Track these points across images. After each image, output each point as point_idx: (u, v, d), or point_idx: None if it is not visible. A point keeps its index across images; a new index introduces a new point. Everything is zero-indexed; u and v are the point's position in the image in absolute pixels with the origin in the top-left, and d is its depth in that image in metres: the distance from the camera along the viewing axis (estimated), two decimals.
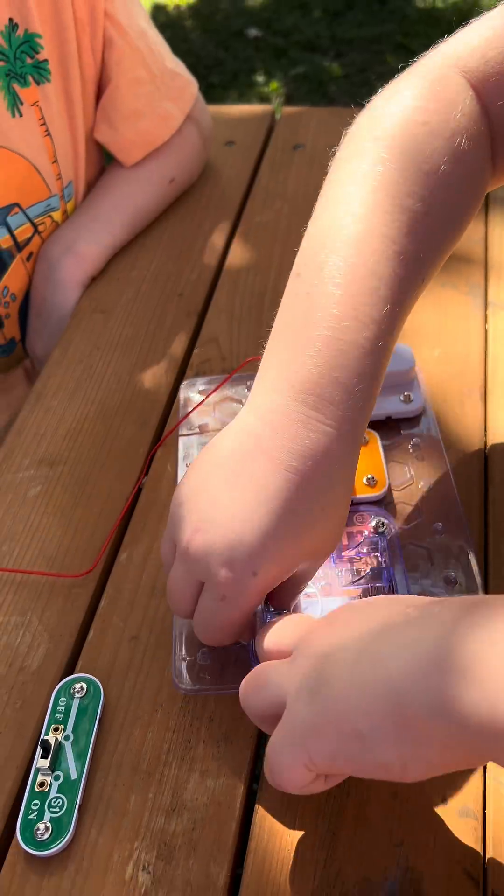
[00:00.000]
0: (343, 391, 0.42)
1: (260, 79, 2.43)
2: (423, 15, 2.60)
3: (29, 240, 0.77)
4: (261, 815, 0.44)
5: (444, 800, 0.43)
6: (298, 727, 0.36)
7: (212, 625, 0.44)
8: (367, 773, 0.36)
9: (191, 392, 0.64)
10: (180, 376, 0.68)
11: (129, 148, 0.80)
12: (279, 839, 0.43)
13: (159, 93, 0.80)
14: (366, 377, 0.43)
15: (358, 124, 0.51)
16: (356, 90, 2.34)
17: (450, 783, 0.43)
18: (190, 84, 0.84)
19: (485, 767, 0.44)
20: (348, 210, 0.46)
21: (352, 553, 0.53)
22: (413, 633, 0.34)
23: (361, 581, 0.52)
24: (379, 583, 0.51)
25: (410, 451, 0.59)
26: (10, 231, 0.75)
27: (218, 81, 2.44)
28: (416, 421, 0.60)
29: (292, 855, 0.42)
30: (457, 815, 0.42)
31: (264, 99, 2.35)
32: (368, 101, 0.52)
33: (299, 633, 0.41)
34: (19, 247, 0.76)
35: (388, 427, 0.60)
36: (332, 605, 0.50)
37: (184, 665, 0.49)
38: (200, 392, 0.64)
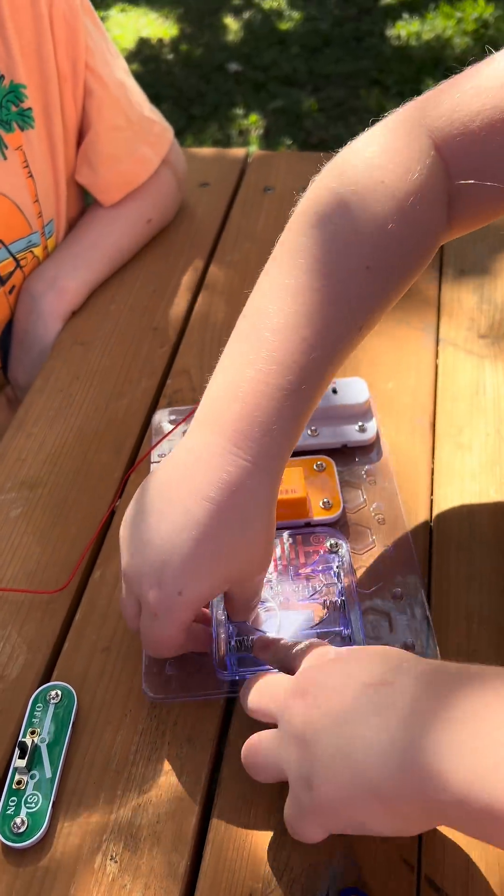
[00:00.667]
0: (261, 430, 0.46)
1: (240, 111, 2.51)
2: (397, 53, 2.69)
3: (11, 273, 0.81)
4: (219, 810, 0.48)
5: None
6: (306, 809, 0.41)
7: (151, 639, 0.48)
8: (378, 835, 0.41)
9: (163, 421, 0.69)
10: (153, 406, 0.73)
11: (108, 189, 0.85)
12: (235, 832, 0.47)
13: (136, 138, 0.85)
14: (284, 418, 0.47)
15: (323, 174, 0.55)
16: (332, 123, 2.42)
17: None
18: (166, 130, 0.89)
19: None
20: (294, 263, 0.51)
21: (308, 570, 0.58)
22: (380, 723, 0.38)
23: (316, 596, 0.56)
24: (337, 627, 0.55)
25: (364, 476, 0.64)
26: None
27: (199, 113, 2.51)
28: (369, 449, 0.66)
29: (247, 845, 0.46)
30: None
31: (243, 132, 2.43)
32: (336, 152, 0.56)
33: (277, 699, 0.44)
34: (2, 280, 0.81)
35: (344, 454, 0.65)
36: (289, 618, 0.55)
37: (152, 675, 0.53)
38: (171, 422, 0.69)
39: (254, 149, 2.37)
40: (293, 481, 0.60)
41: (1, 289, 0.81)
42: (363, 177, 0.53)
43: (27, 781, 0.49)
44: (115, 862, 0.46)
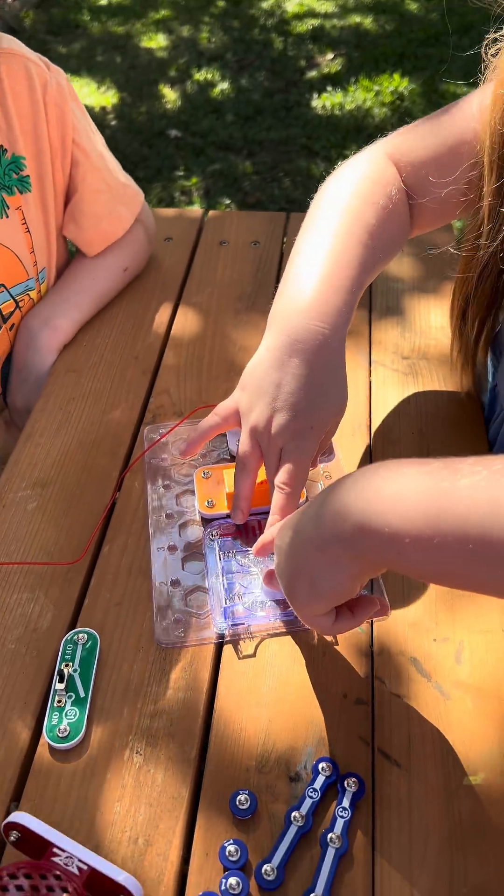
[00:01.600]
0: (334, 309, 0.66)
1: (181, 173, 2.71)
2: (324, 120, 2.95)
3: (11, 313, 0.96)
4: (217, 713, 0.62)
5: (345, 696, 0.62)
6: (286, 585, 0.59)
7: (297, 467, 0.66)
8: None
9: (151, 433, 0.84)
10: (140, 419, 0.87)
11: (91, 243, 1.01)
12: (231, 727, 0.61)
13: (114, 200, 1.01)
14: (347, 301, 0.67)
15: (322, 188, 0.77)
16: (267, 185, 2.64)
17: (348, 683, 0.63)
18: (138, 193, 1.06)
19: (372, 670, 0.64)
20: (332, 212, 0.72)
21: None
22: (308, 511, 0.57)
23: None
24: None
25: (321, 472, 0.80)
26: None
27: (143, 176, 2.71)
28: (327, 450, 0.81)
29: (241, 736, 0.60)
30: (353, 703, 0.62)
31: (185, 192, 2.63)
32: (321, 183, 0.78)
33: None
34: (4, 319, 0.95)
35: None
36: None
37: (161, 627, 0.67)
38: (160, 433, 0.83)
39: (196, 207, 2.57)
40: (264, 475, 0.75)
41: (3, 326, 0.95)
42: (354, 189, 0.74)
43: (66, 700, 0.62)
44: (140, 755, 0.59)
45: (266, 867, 0.52)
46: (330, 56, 3.42)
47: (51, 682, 0.64)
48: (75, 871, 0.49)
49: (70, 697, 0.62)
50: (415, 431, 0.84)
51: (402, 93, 3.08)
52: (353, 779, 0.57)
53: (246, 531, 0.74)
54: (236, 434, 0.77)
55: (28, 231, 0.94)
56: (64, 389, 0.91)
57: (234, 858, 0.53)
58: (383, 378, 0.90)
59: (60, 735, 0.60)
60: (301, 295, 0.67)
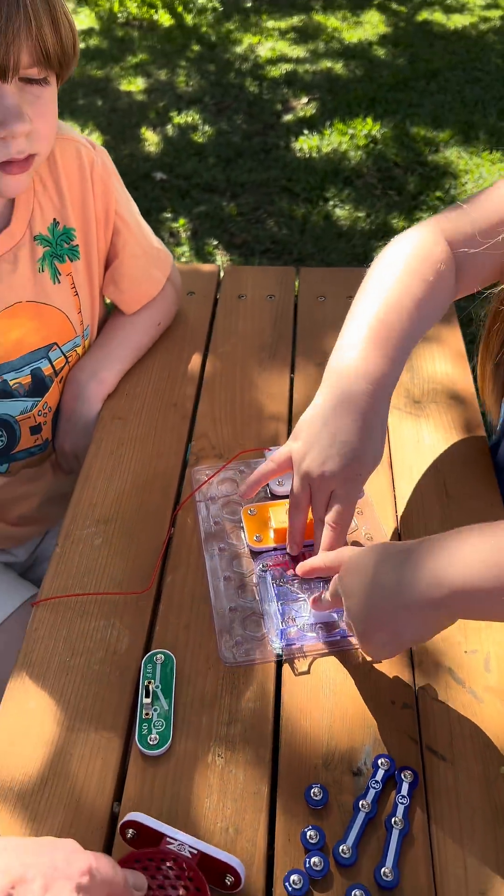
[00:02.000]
0: (380, 371, 0.79)
1: (169, 215, 2.83)
2: (302, 163, 3.10)
3: (62, 367, 1.05)
4: (284, 719, 0.71)
5: (392, 702, 0.72)
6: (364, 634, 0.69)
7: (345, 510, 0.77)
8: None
9: (199, 475, 0.94)
10: (184, 461, 0.97)
11: (129, 303, 1.11)
12: (298, 731, 0.70)
13: (149, 264, 1.12)
14: (392, 365, 0.79)
15: (378, 258, 0.89)
16: (251, 226, 2.77)
17: (395, 691, 0.73)
18: (168, 256, 1.16)
19: (414, 679, 0.74)
20: (383, 284, 0.84)
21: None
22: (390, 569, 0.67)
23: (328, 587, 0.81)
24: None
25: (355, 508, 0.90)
26: (50, 362, 1.03)
27: None
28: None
29: (308, 739, 0.70)
30: (400, 708, 0.72)
31: (174, 234, 2.74)
32: (380, 248, 0.91)
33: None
34: (56, 373, 1.04)
35: None
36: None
37: (225, 647, 0.76)
38: (206, 474, 0.93)
39: (186, 248, 2.68)
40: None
41: (56, 380, 1.05)
42: (409, 256, 0.87)
43: (153, 713, 0.71)
44: (222, 758, 0.69)
45: (342, 847, 0.62)
46: (304, 100, 3.58)
47: (135, 697, 0.73)
48: (188, 855, 0.59)
49: (156, 710, 0.71)
50: (431, 467, 0.95)
51: (376, 136, 3.24)
52: (409, 771, 0.67)
53: (294, 562, 0.83)
54: (278, 476, 0.87)
55: (77, 294, 1.04)
56: (112, 435, 1.01)
57: (314, 841, 0.63)
58: (399, 420, 1.01)
59: (151, 743, 0.69)
60: (352, 356, 0.79)
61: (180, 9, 4.60)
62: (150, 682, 0.73)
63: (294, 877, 0.61)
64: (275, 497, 0.90)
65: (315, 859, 0.62)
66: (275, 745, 0.70)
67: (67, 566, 0.85)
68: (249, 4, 4.66)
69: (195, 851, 0.59)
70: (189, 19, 4.48)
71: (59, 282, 1.01)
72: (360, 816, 0.64)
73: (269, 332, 1.17)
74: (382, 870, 0.61)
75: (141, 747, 0.69)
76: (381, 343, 0.79)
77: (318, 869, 0.61)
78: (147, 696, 0.72)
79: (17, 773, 0.68)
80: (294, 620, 0.78)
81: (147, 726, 0.70)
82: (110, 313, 1.15)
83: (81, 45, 4.22)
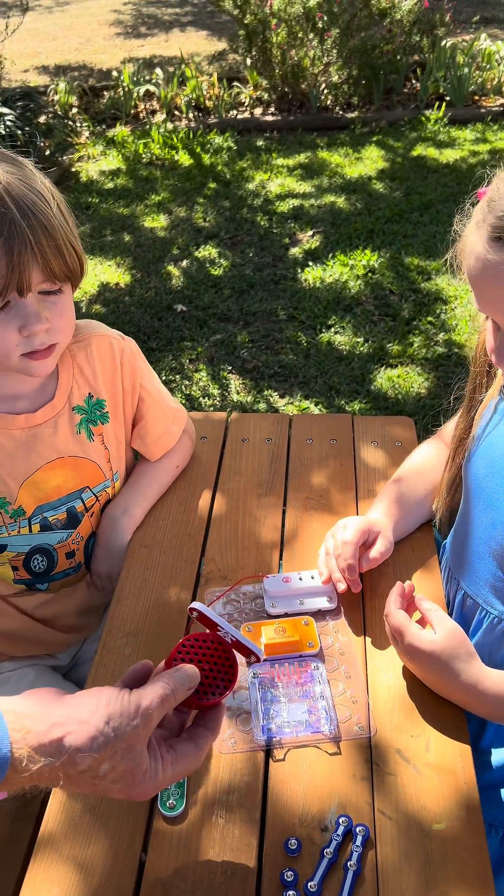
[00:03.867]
0: (389, 523, 1.21)
1: (188, 344, 3.17)
2: (307, 293, 3.45)
3: (93, 505, 1.32)
4: (270, 788, 0.94)
5: (354, 775, 0.95)
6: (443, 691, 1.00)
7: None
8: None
9: (209, 596, 1.18)
10: (197, 582, 1.22)
11: (153, 453, 1.39)
12: (282, 797, 0.93)
13: (169, 421, 1.40)
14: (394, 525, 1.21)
15: (409, 458, 1.29)
16: (262, 352, 3.10)
17: (355, 767, 0.95)
18: (184, 412, 1.45)
19: (371, 758, 0.96)
20: (402, 478, 1.24)
21: (301, 681, 1.06)
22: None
23: (307, 695, 1.04)
24: (319, 711, 1.02)
25: (332, 628, 1.14)
26: (83, 502, 1.31)
27: (156, 346, 3.16)
28: (335, 612, 1.16)
29: (288, 803, 0.92)
30: (360, 780, 0.94)
31: (192, 360, 3.07)
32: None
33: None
34: (87, 509, 1.31)
35: (319, 616, 1.15)
36: (292, 708, 1.02)
37: (219, 739, 0.99)
38: (215, 595, 1.18)
39: (203, 374, 3.00)
40: (292, 631, 1.09)
41: (86, 515, 1.32)
42: (415, 473, 1.23)
43: (171, 785, 0.94)
44: (222, 818, 0.91)
45: (311, 884, 0.84)
46: (309, 233, 3.98)
47: None
48: (229, 640, 0.86)
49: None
50: (391, 586, 1.19)
51: (374, 266, 3.60)
52: (361, 827, 0.89)
53: (277, 672, 1.06)
54: (271, 597, 1.12)
55: (106, 448, 1.32)
56: (140, 561, 1.26)
57: (290, 880, 0.85)
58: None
59: (170, 807, 0.92)
60: (376, 509, 1.21)
61: (198, 149, 5.12)
62: None
63: None
64: (270, 617, 1.15)
65: (290, 893, 0.83)
66: (263, 809, 0.93)
67: (104, 670, 1.09)
68: (261, 143, 5.17)
69: (232, 639, 0.87)
70: (206, 159, 4.98)
71: (93, 440, 1.29)
72: (325, 861, 0.86)
73: (266, 471, 1.44)
74: None
75: (162, 811, 0.92)
76: (387, 514, 1.24)
77: None
78: None
79: (69, 833, 0.91)
80: (274, 719, 1.01)
81: (167, 795, 0.93)
82: (138, 459, 1.43)
83: (110, 185, 4.73)
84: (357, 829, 0.89)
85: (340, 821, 0.89)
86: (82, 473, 1.29)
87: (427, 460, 1.31)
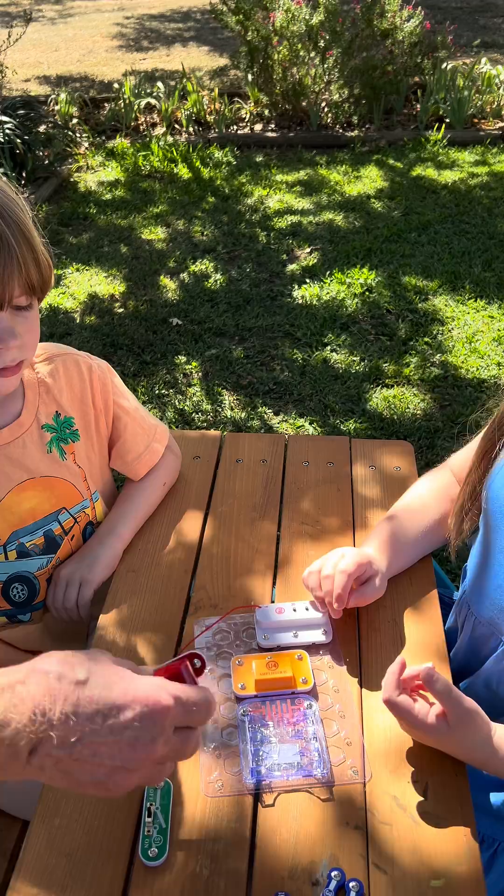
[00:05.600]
0: (383, 559, 1.17)
1: (183, 358, 3.12)
2: (304, 310, 3.42)
3: (72, 527, 1.27)
4: (259, 837, 0.88)
5: (347, 823, 0.89)
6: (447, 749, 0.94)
7: None
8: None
9: (199, 626, 1.13)
10: (186, 609, 1.17)
11: (136, 472, 1.34)
12: (270, 847, 0.87)
13: (149, 438, 1.36)
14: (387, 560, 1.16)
15: (410, 489, 1.25)
16: (257, 368, 3.06)
17: (349, 815, 0.90)
18: (165, 429, 1.40)
19: (365, 805, 0.91)
20: (399, 511, 1.22)
21: (294, 720, 1.00)
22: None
23: (299, 735, 0.98)
24: (311, 753, 0.97)
25: (326, 663, 1.09)
26: (60, 524, 1.25)
27: (150, 359, 3.11)
28: (329, 645, 1.10)
29: (277, 853, 0.87)
30: (353, 829, 0.89)
31: (186, 375, 3.03)
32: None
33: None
34: (66, 532, 1.26)
35: (314, 649, 1.10)
36: (283, 749, 0.97)
37: (205, 782, 0.94)
38: (204, 625, 1.13)
39: (197, 389, 2.95)
40: (284, 666, 1.04)
41: (66, 538, 1.26)
42: (413, 501, 1.21)
43: (153, 830, 0.88)
44: (207, 869, 0.86)
45: None
46: (307, 250, 3.95)
47: (139, 815, 0.90)
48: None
49: (156, 828, 0.89)
50: (389, 619, 1.14)
51: (371, 284, 3.57)
52: (355, 883, 0.83)
53: (268, 710, 1.01)
54: (263, 629, 1.07)
55: (80, 467, 1.27)
56: (126, 586, 1.21)
57: None
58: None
59: (151, 856, 0.86)
60: (370, 545, 1.17)
61: (198, 163, 5.09)
62: (151, 804, 0.91)
63: None
64: (262, 650, 1.09)
65: None
66: (250, 859, 0.87)
67: None
68: (260, 159, 5.15)
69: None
70: (206, 173, 4.96)
71: (66, 459, 1.24)
72: None
73: (260, 494, 1.39)
74: None
75: (143, 859, 0.86)
76: (381, 550, 1.18)
77: None
78: (149, 815, 0.89)
79: (42, 879, 0.85)
80: (264, 761, 0.96)
81: (148, 842, 0.87)
82: (126, 482, 1.38)
83: (108, 196, 4.69)
84: (350, 885, 0.83)
85: (332, 875, 0.84)
86: (57, 494, 1.24)
87: (422, 497, 1.26)
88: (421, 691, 0.96)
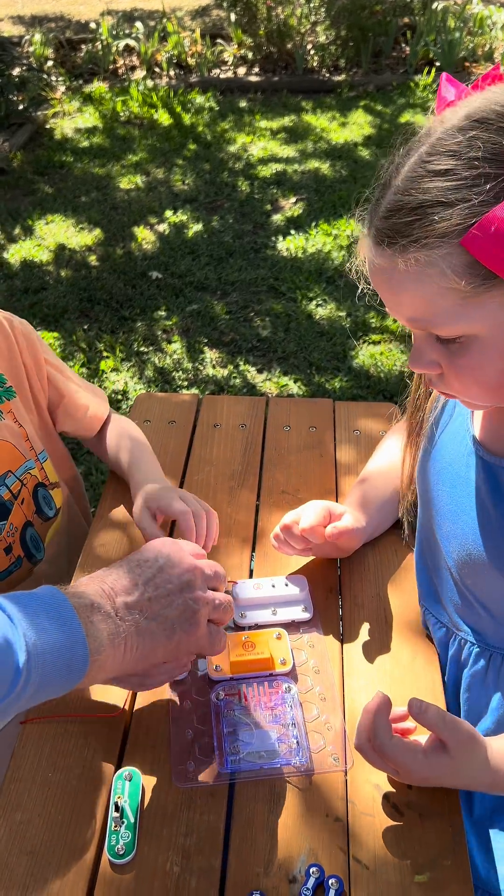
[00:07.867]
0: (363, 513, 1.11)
1: (163, 313, 3.02)
2: (289, 263, 3.31)
3: (20, 491, 1.20)
4: (234, 831, 0.83)
5: (326, 815, 0.85)
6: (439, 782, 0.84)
7: None
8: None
9: None
10: None
11: (90, 428, 1.31)
12: (245, 841, 0.82)
13: (91, 394, 1.31)
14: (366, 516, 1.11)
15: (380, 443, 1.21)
16: (240, 325, 2.96)
17: (328, 806, 0.85)
18: (99, 389, 1.35)
19: (346, 795, 0.86)
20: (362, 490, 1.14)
21: (272, 704, 0.95)
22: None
23: (277, 720, 0.93)
24: (290, 739, 0.91)
25: (306, 641, 1.03)
26: (8, 488, 1.18)
27: (129, 315, 3.01)
28: (310, 623, 1.05)
29: (252, 848, 0.82)
30: (333, 821, 0.84)
31: (166, 331, 2.93)
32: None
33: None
34: (15, 496, 1.19)
35: (293, 627, 1.04)
36: (261, 735, 0.91)
37: (178, 771, 0.88)
38: None
39: (177, 346, 2.86)
40: (262, 647, 0.98)
41: (16, 503, 1.19)
42: (379, 475, 1.15)
43: (120, 825, 0.83)
44: (178, 866, 0.81)
45: None
46: (292, 200, 3.82)
47: (107, 809, 0.85)
48: None
49: (123, 823, 0.83)
50: (373, 594, 1.08)
51: (358, 236, 3.46)
52: (334, 879, 0.78)
53: (244, 693, 0.95)
54: (241, 606, 1.01)
55: (21, 426, 1.19)
56: (97, 560, 1.14)
57: None
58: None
59: (118, 853, 0.81)
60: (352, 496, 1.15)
61: (179, 109, 4.91)
62: (119, 798, 0.85)
63: None
64: (238, 628, 1.03)
65: None
66: (224, 855, 0.82)
67: None
68: (244, 104, 4.97)
69: None
70: (187, 119, 4.78)
71: (4, 419, 1.17)
72: None
73: (238, 461, 1.32)
74: None
75: (109, 857, 0.81)
76: (358, 504, 1.14)
77: None
78: (116, 810, 0.84)
79: (2, 879, 0.80)
80: (239, 749, 0.90)
81: (115, 837, 0.82)
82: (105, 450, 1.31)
83: (85, 143, 4.52)
84: (329, 882, 0.78)
85: (311, 871, 0.79)
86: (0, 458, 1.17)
87: (391, 455, 1.17)
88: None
